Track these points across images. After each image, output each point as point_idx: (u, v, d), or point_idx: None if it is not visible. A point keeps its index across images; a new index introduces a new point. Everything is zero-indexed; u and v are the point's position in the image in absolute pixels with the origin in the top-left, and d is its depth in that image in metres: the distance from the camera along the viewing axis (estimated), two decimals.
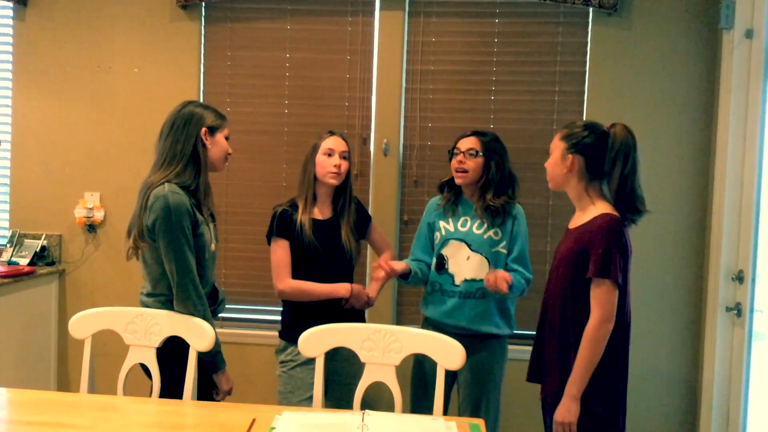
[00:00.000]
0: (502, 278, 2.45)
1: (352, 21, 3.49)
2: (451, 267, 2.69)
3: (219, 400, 2.39)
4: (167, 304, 2.30)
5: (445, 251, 2.72)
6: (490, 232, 2.67)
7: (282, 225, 2.66)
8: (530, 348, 2.36)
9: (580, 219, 2.18)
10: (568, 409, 2.06)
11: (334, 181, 2.69)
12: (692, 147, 3.28)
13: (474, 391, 2.67)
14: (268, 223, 2.74)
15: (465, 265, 2.67)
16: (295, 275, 2.67)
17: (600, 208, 2.12)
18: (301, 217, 2.65)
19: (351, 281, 2.76)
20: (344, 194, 2.75)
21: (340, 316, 2.61)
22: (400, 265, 2.67)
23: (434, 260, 2.75)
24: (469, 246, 2.67)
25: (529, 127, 3.40)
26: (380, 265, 2.62)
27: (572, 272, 2.12)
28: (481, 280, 2.62)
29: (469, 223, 2.70)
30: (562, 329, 2.14)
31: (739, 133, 3.01)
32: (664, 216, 3.28)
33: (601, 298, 2.05)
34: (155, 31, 3.58)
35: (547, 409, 2.19)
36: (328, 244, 2.67)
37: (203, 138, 2.34)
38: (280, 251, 2.66)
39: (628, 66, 3.31)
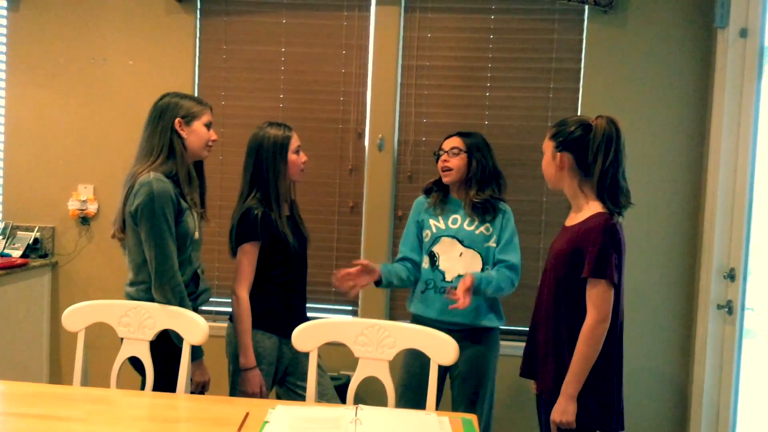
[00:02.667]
0: (461, 291, 2.44)
1: (347, 15, 3.48)
2: (442, 264, 2.71)
3: (192, 391, 2.38)
4: (149, 293, 2.30)
5: (436, 248, 2.73)
6: (482, 228, 2.70)
7: (264, 227, 2.50)
8: (523, 343, 2.36)
9: (575, 217, 2.18)
10: (564, 409, 2.06)
11: (301, 178, 2.68)
12: (686, 145, 3.29)
13: (469, 385, 2.69)
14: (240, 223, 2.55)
15: (458, 261, 2.69)
16: (279, 274, 2.58)
17: (594, 207, 2.12)
18: (281, 216, 2.55)
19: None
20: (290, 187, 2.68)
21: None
22: (372, 275, 2.66)
23: (426, 258, 2.76)
24: (461, 242, 2.69)
25: (524, 124, 3.41)
26: (355, 282, 2.63)
27: (566, 270, 2.12)
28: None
29: (459, 221, 2.73)
30: (555, 326, 2.14)
31: (733, 131, 3.03)
32: (657, 213, 3.30)
33: (596, 298, 2.05)
34: (150, 24, 3.57)
35: (542, 405, 2.19)
36: (300, 237, 2.64)
37: (177, 129, 2.35)
38: (254, 257, 2.52)
39: (623, 63, 3.31)
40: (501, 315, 2.76)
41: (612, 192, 2.11)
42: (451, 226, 2.72)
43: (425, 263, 2.77)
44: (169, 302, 2.25)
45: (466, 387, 2.70)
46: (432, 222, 2.76)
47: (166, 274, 2.25)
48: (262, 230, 2.49)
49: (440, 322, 2.65)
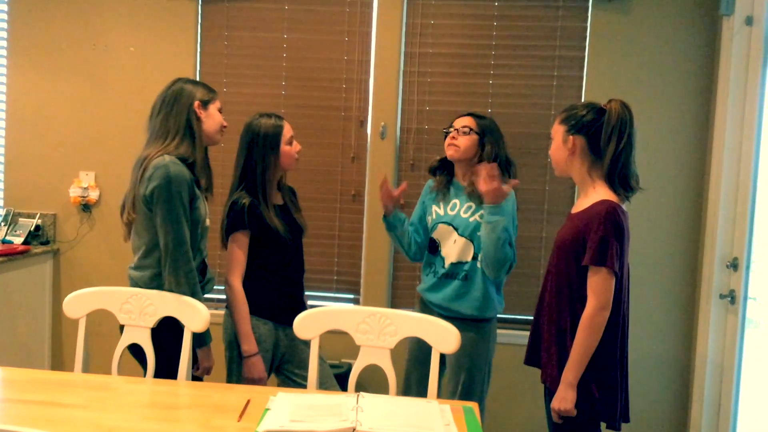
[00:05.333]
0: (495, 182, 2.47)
1: (350, 2, 3.46)
2: (444, 250, 2.71)
3: (197, 376, 2.41)
4: (156, 279, 2.29)
5: (435, 235, 2.74)
6: (477, 216, 2.65)
7: (252, 216, 2.50)
8: (526, 332, 2.36)
9: (581, 204, 2.17)
10: (564, 397, 2.06)
11: (296, 167, 2.67)
12: (690, 133, 3.28)
13: (457, 373, 2.68)
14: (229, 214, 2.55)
15: (452, 248, 2.69)
16: (271, 262, 2.58)
17: (600, 193, 2.11)
18: (270, 206, 2.55)
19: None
20: (281, 177, 2.69)
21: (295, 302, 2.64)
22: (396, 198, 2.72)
23: (429, 243, 2.78)
24: (456, 229, 2.69)
25: (527, 112, 3.39)
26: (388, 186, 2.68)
27: (569, 258, 2.11)
28: (465, 263, 2.65)
29: (458, 207, 2.71)
30: (558, 314, 2.14)
31: (737, 120, 3.01)
32: (661, 202, 3.29)
33: (597, 286, 2.04)
34: (152, 10, 3.55)
35: (548, 393, 2.19)
36: (293, 226, 2.64)
37: (196, 111, 2.35)
38: (244, 245, 2.52)
39: (628, 51, 3.29)
40: (492, 305, 2.70)
41: (623, 175, 2.11)
42: (449, 212, 2.72)
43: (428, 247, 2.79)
44: (181, 288, 2.24)
45: (453, 376, 2.69)
46: (434, 208, 2.77)
47: (181, 260, 2.24)
48: (250, 219, 2.49)
49: (429, 302, 2.73)
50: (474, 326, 2.67)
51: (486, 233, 2.52)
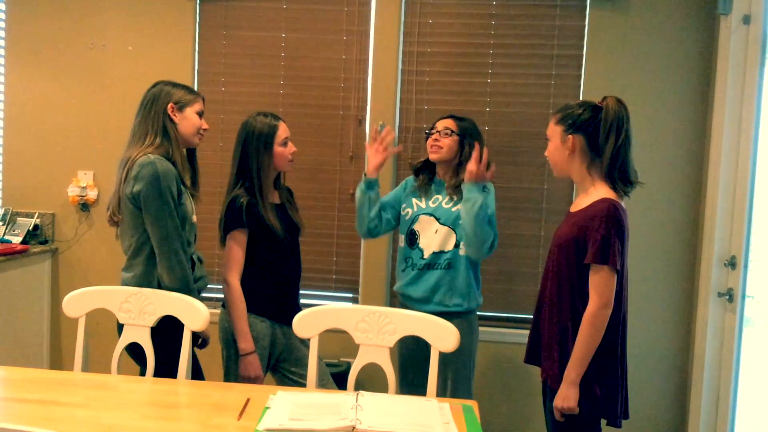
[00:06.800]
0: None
1: (348, 1, 3.46)
2: (422, 242, 2.74)
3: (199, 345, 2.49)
4: (145, 278, 2.30)
5: (416, 227, 2.76)
6: (458, 206, 2.69)
7: (250, 215, 2.50)
8: (527, 331, 2.36)
9: (581, 202, 2.17)
10: (567, 395, 2.06)
11: (290, 168, 2.68)
12: (688, 132, 3.28)
13: (444, 370, 2.67)
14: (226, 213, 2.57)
15: (433, 238, 2.71)
16: (268, 261, 2.59)
17: (600, 191, 2.11)
18: (267, 205, 2.55)
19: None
20: (278, 176, 2.69)
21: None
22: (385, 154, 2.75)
23: (406, 236, 2.79)
24: (437, 219, 2.72)
25: (525, 111, 3.39)
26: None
27: (570, 256, 2.11)
28: (446, 252, 2.68)
29: (440, 200, 2.76)
30: (559, 313, 2.14)
31: (735, 118, 3.01)
32: (659, 201, 3.29)
33: (599, 284, 2.04)
34: (150, 9, 3.55)
35: (548, 392, 2.19)
36: (290, 225, 2.65)
37: (170, 113, 2.37)
38: (242, 244, 2.53)
39: (626, 50, 3.29)
40: (473, 296, 2.73)
41: (623, 171, 2.12)
42: (431, 205, 2.76)
43: (401, 241, 2.81)
44: (179, 281, 2.25)
45: (445, 372, 2.67)
46: (415, 201, 2.80)
47: (177, 253, 2.26)
48: (248, 218, 2.50)
49: (408, 298, 2.74)
50: (456, 319, 2.66)
51: (466, 209, 2.59)
